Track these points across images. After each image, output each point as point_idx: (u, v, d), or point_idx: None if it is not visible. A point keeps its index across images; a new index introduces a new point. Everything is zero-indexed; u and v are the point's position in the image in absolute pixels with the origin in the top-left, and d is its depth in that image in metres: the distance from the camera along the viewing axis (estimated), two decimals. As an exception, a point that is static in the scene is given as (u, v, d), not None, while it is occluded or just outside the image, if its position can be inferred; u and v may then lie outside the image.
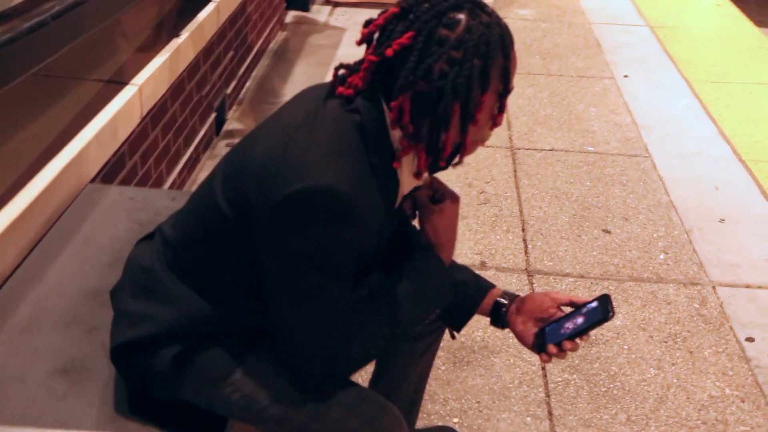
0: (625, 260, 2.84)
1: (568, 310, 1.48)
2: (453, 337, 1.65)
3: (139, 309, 1.35)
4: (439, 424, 2.13)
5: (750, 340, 2.47)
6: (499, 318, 1.53)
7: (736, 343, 2.46)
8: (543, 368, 2.34)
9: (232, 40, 3.83)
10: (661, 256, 2.88)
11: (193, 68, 3.17)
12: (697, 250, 2.92)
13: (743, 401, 2.24)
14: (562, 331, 1.43)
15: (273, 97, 4.07)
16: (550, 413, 2.18)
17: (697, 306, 2.62)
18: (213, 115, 3.55)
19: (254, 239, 1.23)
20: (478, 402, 2.21)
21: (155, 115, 2.73)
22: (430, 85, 1.19)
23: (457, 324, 1.58)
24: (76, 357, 1.54)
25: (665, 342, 2.45)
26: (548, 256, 2.86)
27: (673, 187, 3.35)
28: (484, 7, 1.22)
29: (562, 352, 1.41)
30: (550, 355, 1.42)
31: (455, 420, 2.15)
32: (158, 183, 2.86)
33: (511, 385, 2.27)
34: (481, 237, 2.94)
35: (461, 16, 1.19)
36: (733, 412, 2.20)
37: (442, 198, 1.42)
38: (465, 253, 2.85)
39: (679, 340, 2.46)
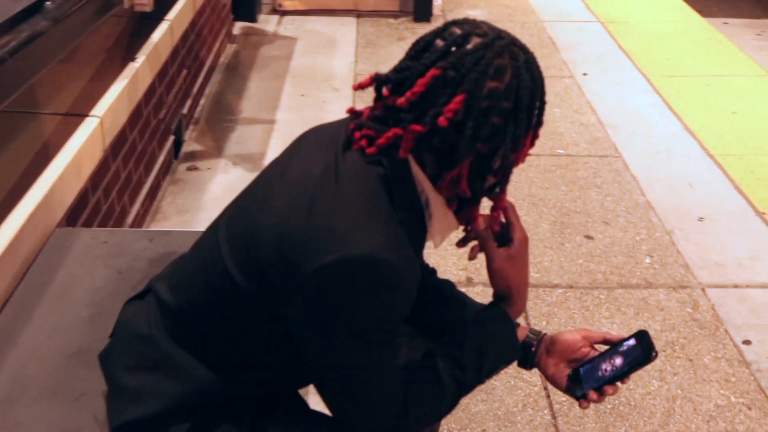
0: (611, 266, 2.79)
1: (602, 347, 1.39)
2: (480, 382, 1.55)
3: (141, 383, 1.22)
4: (448, 458, 2.04)
5: (747, 342, 2.44)
6: (527, 359, 1.43)
7: (733, 347, 2.42)
8: (545, 388, 2.26)
9: (185, 58, 3.67)
10: (647, 260, 2.84)
11: (149, 92, 3.00)
12: (681, 251, 2.90)
13: (750, 408, 2.20)
14: (600, 373, 1.33)
15: (229, 114, 3.92)
16: (558, 437, 2.11)
17: (690, 310, 2.58)
18: (171, 139, 3.38)
19: (280, 309, 1.11)
20: (483, 430, 2.12)
21: (115, 145, 2.56)
22: (490, 145, 1.11)
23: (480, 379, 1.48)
24: (65, 430, 1.39)
25: (664, 351, 2.41)
26: (534, 267, 2.79)
27: (648, 187, 3.32)
28: (516, 43, 1.12)
29: (602, 396, 1.32)
30: (590, 402, 1.33)
31: (463, 452, 2.06)
32: (122, 216, 2.70)
33: (515, 409, 2.19)
34: (464, 252, 2.85)
35: (505, 62, 1.09)
36: (742, 420, 2.16)
37: (509, 236, 1.30)
38: (449, 269, 2.76)
39: (677, 348, 2.42)
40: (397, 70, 1.16)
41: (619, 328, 2.49)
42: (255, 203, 1.16)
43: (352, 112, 1.19)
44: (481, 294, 2.63)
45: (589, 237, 2.97)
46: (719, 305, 2.61)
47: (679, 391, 2.25)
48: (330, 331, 1.09)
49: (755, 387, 2.27)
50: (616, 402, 2.21)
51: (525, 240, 1.31)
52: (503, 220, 1.30)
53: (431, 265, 1.58)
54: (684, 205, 3.19)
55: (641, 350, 1.31)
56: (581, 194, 3.26)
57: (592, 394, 1.32)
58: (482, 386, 2.20)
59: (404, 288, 1.10)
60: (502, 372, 2.27)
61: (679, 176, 3.41)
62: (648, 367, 2.32)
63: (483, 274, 2.78)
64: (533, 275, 2.74)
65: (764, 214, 3.12)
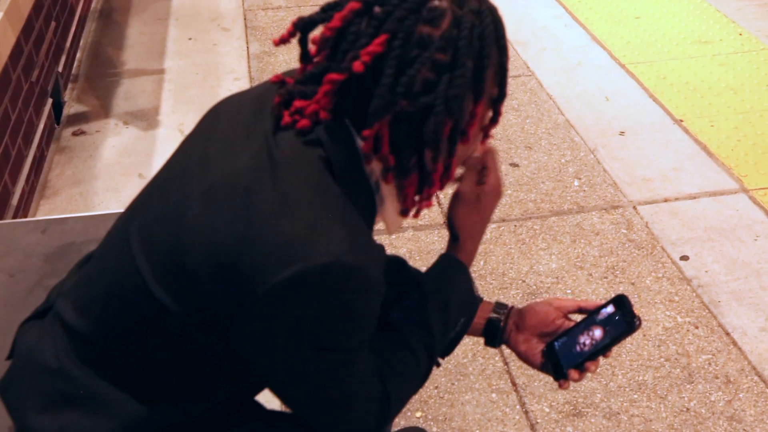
0: (541, 194, 2.70)
1: (577, 317, 1.27)
2: (437, 365, 1.42)
3: (60, 425, 1.02)
4: (404, 424, 1.92)
5: (684, 258, 2.41)
6: (495, 337, 1.30)
7: (672, 264, 2.39)
8: (493, 333, 2.17)
9: (51, 9, 3.28)
10: (576, 183, 2.76)
11: (15, 52, 2.65)
12: (607, 169, 2.83)
13: (697, 327, 2.18)
14: (578, 348, 1.21)
15: (111, 67, 3.57)
16: (513, 383, 2.03)
17: (625, 231, 2.53)
18: (49, 102, 3.04)
19: (227, 332, 0.93)
20: (436, 387, 2.02)
21: (-15, 120, 2.25)
22: (414, 103, 0.90)
23: (444, 349, 1.34)
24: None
25: (605, 277, 2.35)
26: (463, 203, 2.67)
27: (565, 105, 3.23)
28: None
29: (583, 373, 1.21)
30: (570, 381, 1.21)
31: (418, 415, 1.95)
32: (5, 198, 2.40)
33: (465, 360, 2.09)
34: (388, 195, 2.70)
35: (444, 5, 0.90)
36: (691, 341, 2.14)
37: (483, 181, 1.17)
38: (376, 216, 2.61)
39: (618, 272, 2.37)
40: (325, 8, 0.96)
41: (558, 258, 2.41)
42: (172, 208, 0.96)
43: (278, 82, 0.99)
44: (413, 239, 2.49)
45: (514, 165, 2.86)
46: (652, 222, 2.57)
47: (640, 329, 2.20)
48: (296, 351, 0.93)
49: (699, 304, 2.25)
50: (566, 338, 2.15)
51: (497, 188, 1.19)
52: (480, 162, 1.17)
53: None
54: (603, 121, 3.12)
55: (622, 318, 1.20)
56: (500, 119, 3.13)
57: (573, 373, 1.20)
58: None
59: (377, 289, 0.95)
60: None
61: (594, 90, 3.33)
62: (591, 296, 2.28)
63: (411, 218, 2.65)
64: (463, 212, 2.62)
65: (682, 121, 3.09)
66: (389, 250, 2.43)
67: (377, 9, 0.90)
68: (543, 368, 1.24)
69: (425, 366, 1.12)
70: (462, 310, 1.21)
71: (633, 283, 2.33)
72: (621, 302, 1.20)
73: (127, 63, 3.60)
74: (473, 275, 2.31)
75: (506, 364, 2.08)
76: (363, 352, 0.99)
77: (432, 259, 2.33)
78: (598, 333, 1.20)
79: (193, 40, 3.80)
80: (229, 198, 0.91)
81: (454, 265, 1.20)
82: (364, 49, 0.89)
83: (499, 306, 1.29)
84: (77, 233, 1.69)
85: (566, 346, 1.21)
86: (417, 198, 1.02)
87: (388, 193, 1.00)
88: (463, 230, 1.19)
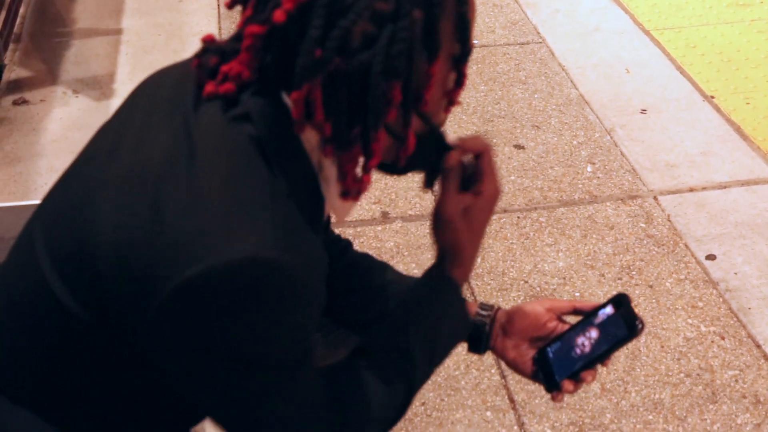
0: (549, 181, 2.66)
1: (571, 319, 1.24)
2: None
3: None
4: (385, 447, 1.90)
5: (711, 258, 2.38)
6: (480, 343, 1.27)
7: (696, 264, 2.36)
8: (489, 342, 2.15)
9: (-9, -42, 3.21)
10: (589, 169, 2.73)
11: (-54, 9, 2.60)
12: (626, 153, 2.80)
13: (723, 338, 2.15)
14: (573, 354, 1.19)
15: (60, 25, 3.52)
16: (511, 400, 2.00)
17: (644, 225, 2.50)
18: (-14, 66, 2.99)
19: (141, 346, 0.90)
20: (423, 404, 1.99)
21: None
22: (350, 60, 0.86)
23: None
24: None
25: (619, 279, 2.32)
26: (459, 190, 2.63)
27: (580, 77, 3.19)
28: None
29: (579, 384, 1.18)
30: (564, 393, 1.18)
31: (401, 435, 1.93)
32: (-68, 180, 2.36)
33: (457, 373, 2.06)
34: (375, 179, 2.65)
35: None
36: (716, 354, 2.11)
37: (477, 181, 1.09)
38: (360, 204, 2.57)
39: (634, 273, 2.34)
40: None
41: (566, 255, 2.38)
42: (77, 203, 0.93)
43: (206, 42, 0.95)
44: (401, 231, 2.46)
45: (519, 147, 2.82)
46: (675, 215, 2.53)
47: (642, 334, 2.17)
48: (213, 366, 0.89)
49: (726, 311, 2.22)
50: (573, 348, 2.12)
51: (494, 196, 1.11)
52: (467, 160, 1.09)
53: None
54: (623, 96, 3.08)
55: (622, 321, 1.18)
56: (504, 93, 3.09)
57: (567, 385, 1.18)
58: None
59: (308, 292, 0.90)
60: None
61: (614, 60, 3.29)
62: (603, 300, 2.25)
63: (399, 206, 2.62)
64: (459, 201, 2.58)
65: (713, 98, 3.05)
66: (375, 244, 2.41)
67: None
68: (535, 377, 1.22)
69: (401, 399, 1.09)
70: (452, 339, 1.18)
71: (651, 286, 2.29)
72: (621, 302, 1.18)
73: (78, 21, 3.54)
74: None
75: (503, 377, 2.05)
76: (300, 372, 0.95)
77: (423, 255, 2.32)
78: (595, 337, 1.18)
79: (155, -4, 3.74)
80: (137, 190, 0.87)
81: (444, 284, 1.15)
82: None
83: (484, 307, 1.26)
84: (6, 227, 1.65)
85: (560, 353, 1.19)
86: (358, 176, 0.96)
87: (332, 175, 0.96)
88: (454, 251, 1.13)
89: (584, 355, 1.19)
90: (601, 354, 1.17)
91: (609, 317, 1.19)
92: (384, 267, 1.38)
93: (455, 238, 1.10)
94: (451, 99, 1.00)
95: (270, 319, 0.87)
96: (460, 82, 0.98)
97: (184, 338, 0.87)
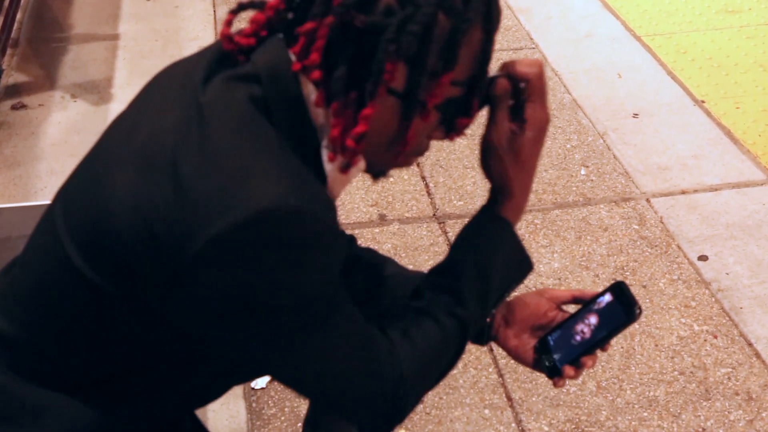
0: (543, 183, 2.70)
1: (571, 308, 1.27)
2: (483, 343, 1.40)
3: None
4: (385, 444, 1.92)
5: (703, 258, 2.42)
6: (482, 334, 1.30)
7: (689, 265, 2.40)
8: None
9: (-11, -37, 3.23)
10: (582, 171, 2.76)
11: (-53, 14, 2.62)
12: (618, 156, 2.83)
13: (716, 337, 2.19)
14: (573, 341, 1.22)
15: (57, 30, 3.54)
16: (509, 398, 2.03)
17: (637, 227, 2.54)
18: (-15, 70, 3.01)
19: (168, 312, 0.94)
20: (421, 402, 2.01)
21: None
22: (368, 18, 0.88)
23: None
24: None
25: (614, 279, 2.35)
26: (455, 193, 2.66)
27: (572, 81, 3.23)
28: None
29: (579, 370, 1.21)
30: (566, 379, 1.21)
31: (401, 433, 1.95)
32: (-67, 183, 2.37)
33: (455, 372, 2.08)
34: (372, 186, 2.69)
35: None
36: (709, 352, 2.15)
37: (524, 108, 1.05)
38: (357, 206, 2.60)
39: (628, 273, 2.37)
40: None
41: (561, 256, 2.42)
42: (96, 178, 0.96)
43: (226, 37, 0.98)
44: (399, 233, 2.49)
45: (513, 149, 2.85)
46: (668, 217, 2.57)
47: (637, 326, 2.21)
48: (250, 320, 0.92)
49: (718, 310, 2.26)
50: (569, 347, 2.16)
51: (544, 122, 1.07)
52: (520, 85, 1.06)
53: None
54: (615, 101, 3.12)
55: (621, 307, 1.21)
56: (498, 98, 3.13)
57: (568, 370, 1.21)
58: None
59: (329, 233, 0.93)
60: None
61: (606, 66, 3.33)
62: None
63: (396, 208, 2.65)
64: (455, 203, 2.62)
65: (703, 102, 3.10)
66: (372, 246, 2.42)
67: None
68: (536, 366, 1.25)
69: (455, 342, 1.09)
70: (507, 279, 1.14)
71: (645, 286, 2.33)
72: (620, 290, 1.21)
73: (76, 26, 3.57)
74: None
75: (501, 376, 2.08)
76: (341, 317, 0.97)
77: (420, 257, 2.35)
78: (594, 323, 1.21)
79: (152, 1, 3.76)
80: (154, 159, 0.91)
81: (494, 223, 1.12)
82: None
83: None
84: (14, 226, 1.68)
85: (561, 341, 1.22)
86: (347, 143, 0.96)
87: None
88: (503, 185, 1.10)
89: (584, 342, 1.22)
90: (600, 339, 1.20)
91: (608, 304, 1.23)
92: (387, 260, 1.41)
93: (503, 169, 1.08)
94: (450, 126, 1.01)
95: (299, 262, 0.89)
96: (468, 110, 0.99)
97: (218, 294, 0.89)
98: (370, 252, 1.42)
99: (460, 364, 2.10)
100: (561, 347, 1.23)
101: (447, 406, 2.01)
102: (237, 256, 0.87)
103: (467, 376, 2.08)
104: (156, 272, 0.90)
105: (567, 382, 1.26)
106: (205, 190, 0.87)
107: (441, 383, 2.03)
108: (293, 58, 0.93)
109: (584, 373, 1.40)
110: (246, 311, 0.91)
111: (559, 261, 2.41)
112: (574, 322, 1.24)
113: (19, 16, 3.60)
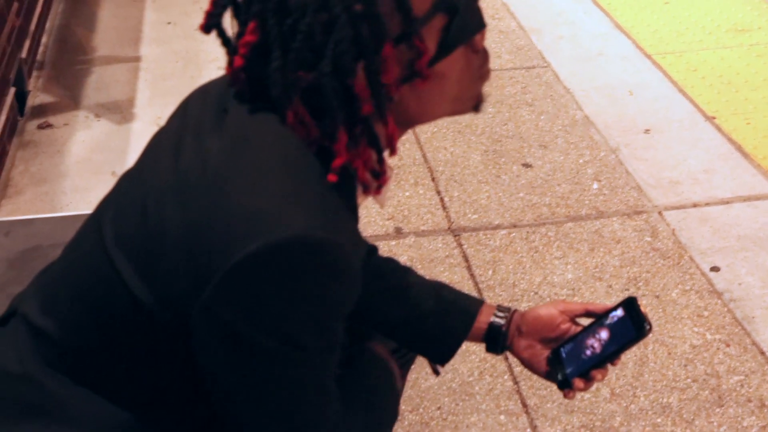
0: (556, 197, 2.74)
1: (584, 321, 1.31)
2: (437, 373, 1.45)
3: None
4: (403, 449, 1.96)
5: (715, 269, 2.45)
6: (497, 343, 1.35)
7: (701, 276, 2.43)
8: (502, 350, 2.21)
9: (16, -12, 3.32)
10: (595, 186, 2.80)
11: (-24, 36, 2.70)
12: (631, 170, 2.87)
13: (728, 345, 2.21)
14: (585, 355, 1.26)
15: (81, 53, 3.62)
16: (524, 404, 2.06)
17: (649, 239, 2.57)
18: (12, 91, 3.08)
19: (191, 331, 0.97)
20: (438, 408, 2.05)
21: (-58, 111, 2.29)
22: (313, 73, 0.92)
23: (442, 356, 1.38)
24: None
25: (627, 289, 2.39)
26: (470, 207, 2.71)
27: (584, 99, 3.27)
28: None
29: (589, 383, 1.25)
30: (576, 391, 1.25)
31: (419, 438, 1.98)
32: (-37, 198, 2.44)
33: (471, 379, 2.12)
34: (387, 197, 2.73)
35: None
36: (722, 360, 2.17)
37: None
38: (374, 220, 2.65)
39: (641, 284, 2.40)
40: None
41: (574, 268, 2.45)
42: (148, 196, 1.00)
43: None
44: (414, 246, 2.53)
45: (527, 165, 2.90)
46: (680, 229, 2.60)
47: (650, 335, 2.24)
48: (259, 344, 0.94)
49: (731, 320, 2.28)
50: (583, 356, 2.19)
51: None
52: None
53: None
54: (627, 117, 3.16)
55: (631, 323, 1.24)
56: (512, 115, 3.18)
57: (578, 382, 1.25)
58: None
59: (351, 274, 0.97)
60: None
61: (617, 83, 3.37)
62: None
63: (412, 221, 2.69)
64: (470, 216, 2.66)
65: (714, 118, 3.14)
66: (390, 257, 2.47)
67: None
68: (548, 376, 1.29)
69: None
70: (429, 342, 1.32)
71: (657, 296, 2.36)
72: (631, 305, 1.25)
73: (98, 49, 3.64)
74: (481, 285, 2.35)
75: (516, 383, 2.11)
76: (329, 359, 1.00)
77: (435, 269, 2.39)
78: (604, 335, 1.24)
79: (172, 25, 3.84)
80: (200, 181, 0.95)
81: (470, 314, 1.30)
82: (241, 39, 0.95)
83: (501, 309, 1.34)
84: (44, 236, 1.73)
85: (573, 353, 1.26)
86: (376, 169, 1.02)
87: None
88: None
89: (595, 356, 1.25)
90: (610, 354, 1.24)
91: (619, 319, 1.26)
92: (407, 270, 1.45)
93: None
94: (473, 43, 1.05)
95: (314, 293, 0.93)
96: (445, 45, 1.00)
97: (236, 317, 0.92)
98: (390, 261, 1.47)
99: (475, 372, 2.14)
100: (573, 360, 1.27)
101: (463, 411, 2.04)
102: (261, 278, 0.90)
103: (483, 383, 2.11)
104: (189, 286, 0.93)
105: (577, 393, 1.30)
106: (244, 212, 0.90)
107: (458, 391, 2.07)
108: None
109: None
110: (249, 333, 0.93)
111: (573, 272, 2.44)
112: (586, 336, 1.28)
113: (44, 39, 3.69)
